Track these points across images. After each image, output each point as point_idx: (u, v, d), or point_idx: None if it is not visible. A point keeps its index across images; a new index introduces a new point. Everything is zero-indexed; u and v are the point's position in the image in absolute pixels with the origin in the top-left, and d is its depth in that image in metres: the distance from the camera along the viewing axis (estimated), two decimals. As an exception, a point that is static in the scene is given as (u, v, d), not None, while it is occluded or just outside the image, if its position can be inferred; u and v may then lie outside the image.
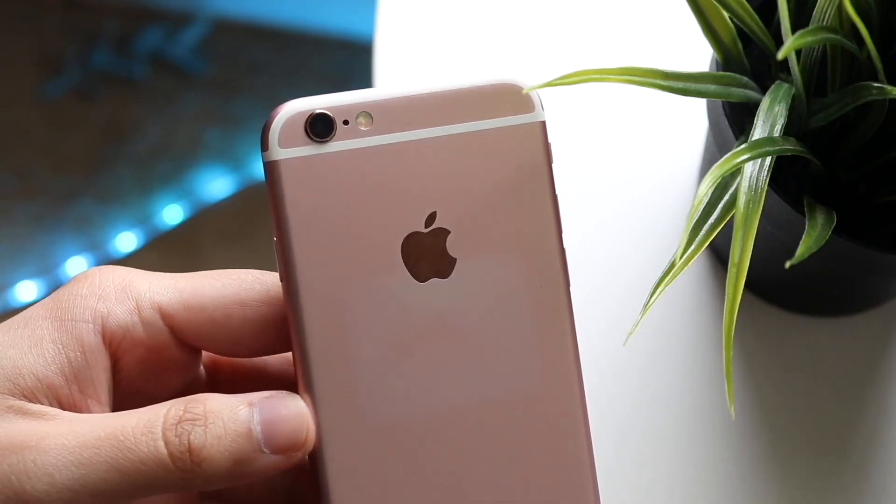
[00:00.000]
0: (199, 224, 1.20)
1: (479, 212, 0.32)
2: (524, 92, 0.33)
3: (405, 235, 0.32)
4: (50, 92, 1.25)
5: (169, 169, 1.22)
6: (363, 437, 0.31)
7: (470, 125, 0.32)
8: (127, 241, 1.19)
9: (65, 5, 1.29)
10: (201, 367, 0.35)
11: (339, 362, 0.31)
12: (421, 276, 0.32)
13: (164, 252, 1.18)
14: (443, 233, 0.32)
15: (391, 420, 0.31)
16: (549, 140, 0.33)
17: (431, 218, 0.32)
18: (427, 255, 0.32)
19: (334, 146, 0.31)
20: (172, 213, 1.20)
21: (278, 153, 0.31)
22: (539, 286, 0.33)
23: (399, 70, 0.56)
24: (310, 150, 0.31)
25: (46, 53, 1.27)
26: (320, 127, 0.31)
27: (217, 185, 1.21)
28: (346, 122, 0.32)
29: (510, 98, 0.33)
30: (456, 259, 0.32)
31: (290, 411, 0.30)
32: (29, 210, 1.20)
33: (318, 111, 0.31)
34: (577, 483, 0.33)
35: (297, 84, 1.27)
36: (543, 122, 0.33)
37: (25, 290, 1.16)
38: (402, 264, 0.32)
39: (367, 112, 0.32)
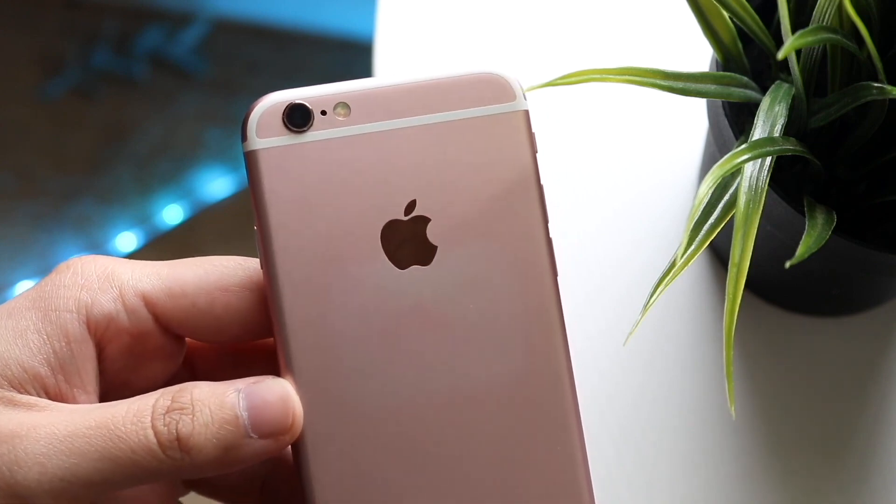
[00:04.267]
0: (199, 224, 1.20)
1: (460, 199, 0.32)
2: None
3: (385, 223, 0.32)
4: (50, 92, 1.25)
5: (169, 169, 1.22)
6: (343, 424, 0.31)
7: (449, 114, 0.32)
8: (127, 241, 1.19)
9: (65, 5, 1.29)
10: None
11: (320, 349, 0.31)
12: (401, 264, 0.32)
13: (164, 252, 1.18)
14: (423, 220, 0.32)
15: (371, 406, 0.31)
16: (533, 130, 0.33)
17: (411, 206, 0.32)
18: (407, 242, 0.32)
19: (312, 136, 0.32)
20: (172, 213, 1.20)
21: (256, 143, 0.31)
22: (523, 273, 0.32)
23: (399, 70, 0.56)
24: (288, 139, 0.32)
25: (46, 53, 1.27)
26: (297, 117, 0.32)
27: (217, 185, 1.21)
28: (323, 113, 0.32)
29: (490, 88, 0.33)
30: (437, 246, 0.32)
31: (276, 396, 0.30)
32: (29, 210, 1.20)
33: (295, 101, 0.32)
34: (569, 471, 0.32)
35: (296, 84, 1.25)
36: (526, 111, 0.33)
37: (25, 289, 1.16)
38: (382, 251, 0.32)
39: (345, 102, 0.32)
